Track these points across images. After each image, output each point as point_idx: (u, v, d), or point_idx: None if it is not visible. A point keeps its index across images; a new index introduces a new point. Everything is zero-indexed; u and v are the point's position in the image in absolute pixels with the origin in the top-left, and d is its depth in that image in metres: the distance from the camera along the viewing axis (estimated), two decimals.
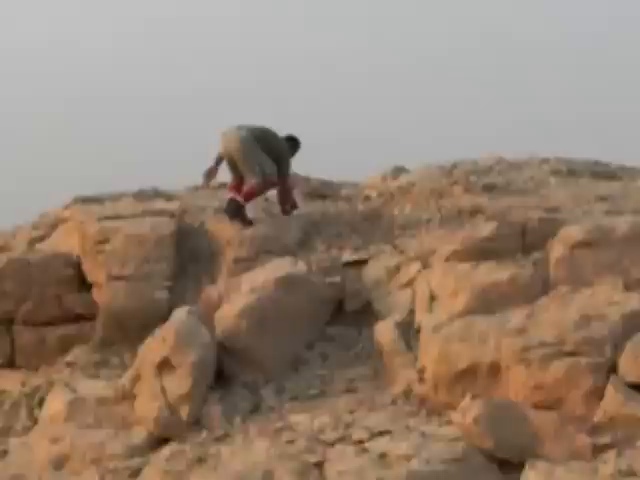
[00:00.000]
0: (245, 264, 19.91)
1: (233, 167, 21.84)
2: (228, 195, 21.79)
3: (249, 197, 21.45)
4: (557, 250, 17.82)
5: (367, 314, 18.76)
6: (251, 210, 21.60)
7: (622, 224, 17.95)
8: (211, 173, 22.03)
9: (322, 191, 23.87)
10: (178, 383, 17.24)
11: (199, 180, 23.91)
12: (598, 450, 14.72)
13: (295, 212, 22.21)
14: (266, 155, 21.59)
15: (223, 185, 24.37)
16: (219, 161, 21.83)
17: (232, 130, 21.57)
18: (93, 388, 18.36)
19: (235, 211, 21.26)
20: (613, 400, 15.30)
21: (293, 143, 22.78)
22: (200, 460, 15.86)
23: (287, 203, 22.29)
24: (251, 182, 21.25)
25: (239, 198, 21.40)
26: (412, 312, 18.16)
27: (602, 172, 24.83)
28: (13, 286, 20.34)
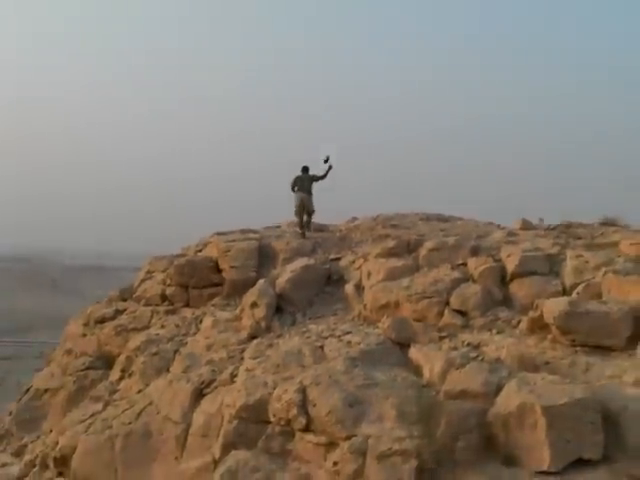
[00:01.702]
0: (288, 260, 19.94)
1: (301, 211, 22.34)
2: (299, 228, 22.64)
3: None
4: (423, 252, 17.92)
5: (341, 281, 18.75)
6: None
7: (450, 240, 18.08)
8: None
9: (321, 228, 23.85)
10: (260, 312, 17.30)
11: (269, 223, 24.46)
12: (441, 338, 14.76)
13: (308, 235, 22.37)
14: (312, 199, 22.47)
15: (278, 226, 24.48)
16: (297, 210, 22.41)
17: (301, 194, 22.15)
18: (223, 315, 18.34)
19: (303, 235, 21.99)
20: (447, 317, 15.36)
21: (307, 169, 22.53)
22: (270, 345, 15.86)
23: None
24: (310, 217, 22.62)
25: (302, 230, 22.25)
26: (360, 280, 18.18)
27: (441, 218, 24.88)
28: (188, 270, 20.36)
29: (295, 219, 23.19)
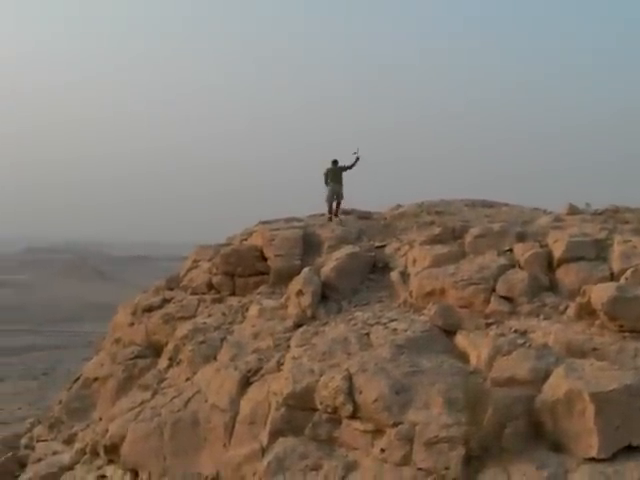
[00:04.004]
0: (333, 248, 19.96)
1: (332, 199, 23.48)
2: (327, 214, 23.50)
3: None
4: (468, 238, 17.88)
5: (387, 268, 18.73)
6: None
7: (495, 227, 18.03)
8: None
9: (365, 215, 23.94)
10: (305, 300, 17.33)
11: (312, 212, 24.76)
12: (488, 325, 14.68)
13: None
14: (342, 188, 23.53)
15: (323, 214, 24.55)
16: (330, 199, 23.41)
17: (333, 185, 23.28)
18: (269, 303, 18.40)
19: (331, 219, 22.93)
20: (493, 304, 15.29)
21: (336, 162, 23.64)
22: (316, 333, 15.93)
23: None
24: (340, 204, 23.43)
25: (330, 216, 23.12)
26: (406, 267, 18.18)
27: (486, 204, 24.79)
28: (234, 259, 20.47)
29: (326, 206, 23.97)
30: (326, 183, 23.40)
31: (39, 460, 18.84)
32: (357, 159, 23.39)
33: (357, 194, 23.50)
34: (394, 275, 18.15)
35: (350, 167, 23.55)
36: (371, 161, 23.56)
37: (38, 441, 20.22)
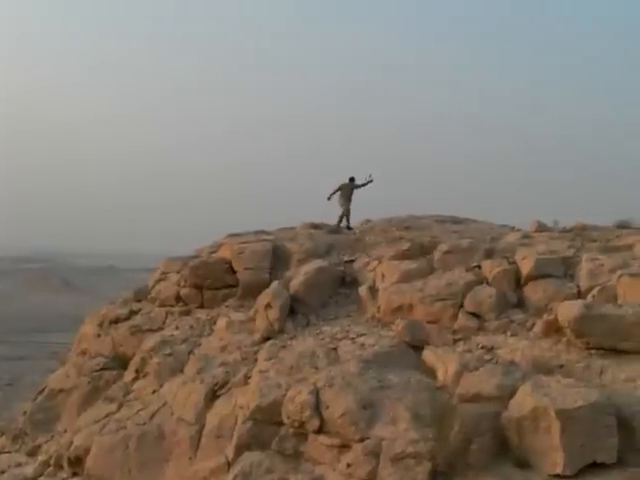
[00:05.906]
0: (302, 262, 19.97)
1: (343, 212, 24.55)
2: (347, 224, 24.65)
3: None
4: (437, 255, 17.96)
5: (355, 283, 18.76)
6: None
7: (463, 243, 18.14)
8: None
9: (334, 230, 23.96)
10: (274, 313, 17.29)
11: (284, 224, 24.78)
12: (455, 341, 14.76)
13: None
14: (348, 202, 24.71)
15: (292, 228, 24.52)
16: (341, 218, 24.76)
17: (341, 200, 24.54)
18: (237, 316, 18.36)
19: (337, 226, 24.42)
20: (461, 319, 15.40)
21: (353, 179, 24.88)
22: (283, 347, 15.86)
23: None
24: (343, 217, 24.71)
25: (342, 225, 24.51)
26: (374, 282, 18.18)
27: (455, 220, 24.89)
28: (202, 272, 20.39)
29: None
30: (330, 195, 24.34)
31: (2, 472, 18.55)
32: (370, 181, 24.70)
33: (330, 208, 23.77)
34: (362, 290, 18.15)
35: (361, 186, 24.76)
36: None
37: (1, 453, 19.92)
